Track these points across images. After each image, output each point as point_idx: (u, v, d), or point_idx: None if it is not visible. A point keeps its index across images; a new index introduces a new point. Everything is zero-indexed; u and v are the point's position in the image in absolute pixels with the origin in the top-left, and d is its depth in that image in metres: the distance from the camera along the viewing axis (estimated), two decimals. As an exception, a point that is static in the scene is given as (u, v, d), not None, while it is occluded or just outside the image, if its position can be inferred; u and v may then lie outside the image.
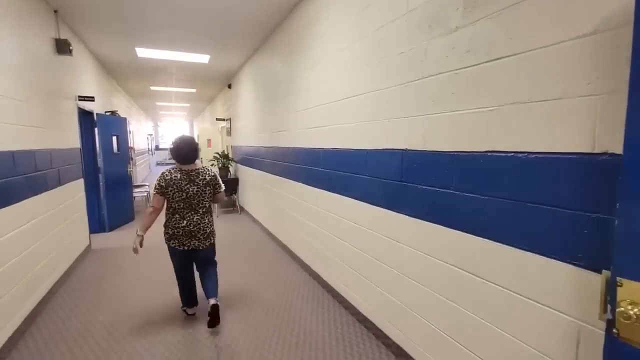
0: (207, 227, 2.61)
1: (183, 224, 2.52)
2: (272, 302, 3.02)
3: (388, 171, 2.18)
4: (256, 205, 5.81)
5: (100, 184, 5.25)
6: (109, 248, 4.59)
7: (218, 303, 2.54)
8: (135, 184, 8.26)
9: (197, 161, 2.63)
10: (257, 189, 5.69)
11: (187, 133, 13.28)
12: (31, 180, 2.82)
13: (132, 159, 9.62)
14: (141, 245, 2.54)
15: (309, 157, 3.42)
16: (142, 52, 5.29)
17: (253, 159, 5.84)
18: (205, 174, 2.58)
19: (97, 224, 5.31)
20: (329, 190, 3.02)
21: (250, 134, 6.00)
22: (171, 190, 2.49)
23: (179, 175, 2.50)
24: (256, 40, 4.78)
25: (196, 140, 2.67)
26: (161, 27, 4.24)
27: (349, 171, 2.66)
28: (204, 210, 2.59)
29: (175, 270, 2.69)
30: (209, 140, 9.80)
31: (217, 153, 7.08)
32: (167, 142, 23.32)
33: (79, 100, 4.24)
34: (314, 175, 3.31)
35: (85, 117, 5.05)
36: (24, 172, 2.69)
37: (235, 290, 3.25)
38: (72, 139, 4.01)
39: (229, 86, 7.49)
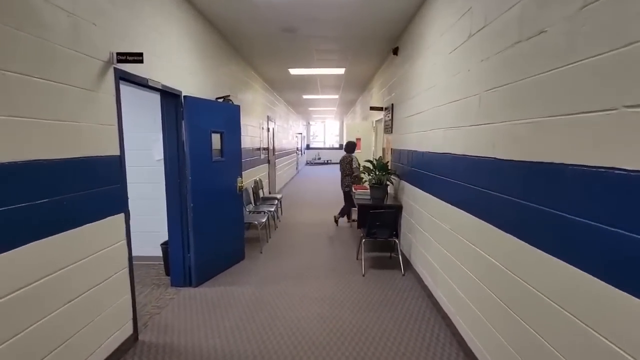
0: (348, 183, 5.53)
1: (344, 182, 5.63)
2: None
3: None
4: (440, 270, 2.73)
5: (188, 209, 3.28)
6: (169, 344, 2.42)
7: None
8: (267, 196, 6.47)
9: (353, 154, 5.71)
10: (443, 236, 2.61)
11: (349, 136, 10.79)
12: None
13: (269, 161, 8.12)
14: None
15: None
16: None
17: (436, 179, 2.78)
18: (350, 158, 5.58)
19: (182, 275, 3.37)
20: None
21: (432, 129, 2.95)
22: (341, 164, 5.67)
23: (344, 158, 5.65)
24: None
25: (354, 141, 6.07)
26: None
27: None
28: (346, 174, 5.57)
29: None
30: (357, 140, 7.23)
31: (370, 161, 4.33)
32: (319, 142, 22.77)
33: (119, 60, 2.16)
34: None
35: (168, 102, 3.11)
36: None
37: None
38: (92, 141, 1.95)
39: (395, 51, 4.60)
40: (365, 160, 4.46)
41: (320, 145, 22.60)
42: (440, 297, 2.83)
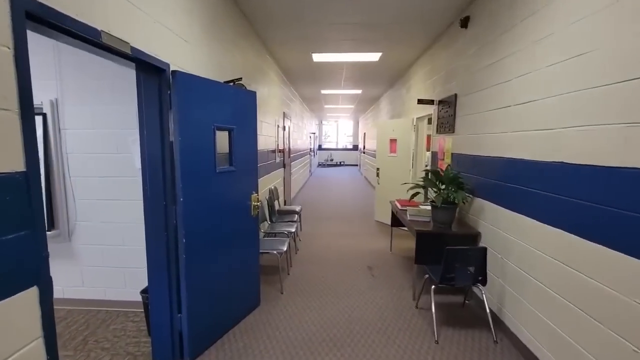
0: None
1: None
2: None
3: None
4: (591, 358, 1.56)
5: (178, 246, 2.14)
6: None
7: None
8: (283, 209, 5.34)
9: None
10: (605, 306, 1.43)
11: (380, 136, 9.36)
12: None
13: (284, 165, 6.99)
14: None
15: None
16: None
17: (584, 209, 1.59)
18: None
19: (169, 344, 2.24)
20: None
21: (572, 127, 1.78)
22: None
23: None
24: None
25: None
26: None
27: None
28: None
29: None
30: (391, 142, 6.03)
31: (430, 171, 3.16)
32: (331, 142, 21.50)
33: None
34: None
35: (148, 80, 1.98)
36: None
37: None
38: None
39: (463, 23, 3.41)
40: (425, 170, 3.28)
41: (333, 145, 21.38)
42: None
